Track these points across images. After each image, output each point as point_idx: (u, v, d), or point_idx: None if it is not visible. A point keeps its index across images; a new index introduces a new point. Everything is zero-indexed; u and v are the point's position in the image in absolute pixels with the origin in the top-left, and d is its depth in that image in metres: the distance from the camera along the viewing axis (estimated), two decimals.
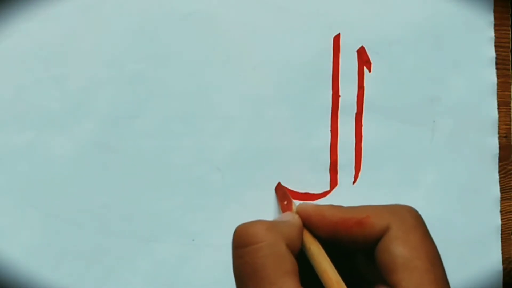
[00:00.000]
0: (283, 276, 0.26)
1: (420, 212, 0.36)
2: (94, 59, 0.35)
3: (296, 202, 0.33)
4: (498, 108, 0.39)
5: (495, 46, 0.39)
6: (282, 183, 0.36)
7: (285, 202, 0.34)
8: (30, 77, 0.34)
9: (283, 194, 0.35)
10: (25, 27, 0.34)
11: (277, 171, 0.36)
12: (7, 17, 0.34)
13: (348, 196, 0.37)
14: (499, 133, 0.39)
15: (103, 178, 0.35)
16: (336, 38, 0.37)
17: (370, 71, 0.37)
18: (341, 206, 0.29)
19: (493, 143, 0.39)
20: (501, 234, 0.38)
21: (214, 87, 0.36)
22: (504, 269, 0.38)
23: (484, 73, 0.39)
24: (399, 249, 0.26)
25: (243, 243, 0.27)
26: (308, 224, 0.30)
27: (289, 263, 0.27)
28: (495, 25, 0.39)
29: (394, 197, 0.37)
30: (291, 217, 0.30)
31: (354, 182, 0.37)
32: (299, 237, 0.29)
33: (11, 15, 0.34)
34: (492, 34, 0.39)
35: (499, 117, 0.39)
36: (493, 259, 0.38)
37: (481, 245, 0.38)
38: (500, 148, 0.39)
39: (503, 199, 0.38)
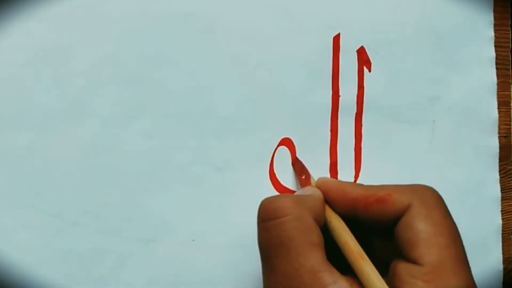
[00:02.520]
0: (310, 248, 0.26)
1: None
2: (94, 59, 0.35)
3: (314, 176, 0.33)
4: (498, 108, 0.39)
5: (495, 46, 0.39)
6: (283, 183, 0.36)
7: (303, 177, 0.34)
8: (30, 77, 0.34)
9: (300, 168, 0.35)
10: (25, 27, 0.34)
11: (277, 171, 0.36)
12: (7, 17, 0.34)
13: None
14: (499, 133, 0.39)
15: (103, 178, 0.35)
16: (336, 38, 0.37)
17: (370, 71, 0.37)
18: (361, 184, 0.30)
19: (493, 143, 0.39)
20: (501, 234, 0.38)
21: (214, 87, 0.36)
22: (504, 269, 0.38)
23: (484, 73, 0.39)
24: (422, 225, 0.27)
25: (269, 217, 0.28)
26: (327, 198, 0.30)
27: (316, 235, 0.27)
28: (495, 25, 0.39)
29: None
30: (313, 191, 0.30)
31: (354, 182, 0.37)
32: (323, 210, 0.29)
33: (11, 15, 0.34)
34: (492, 34, 0.39)
35: (499, 117, 0.39)
36: (493, 259, 0.38)
37: (481, 245, 0.38)
38: (500, 148, 0.39)
39: (503, 199, 0.39)
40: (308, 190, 0.31)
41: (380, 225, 0.28)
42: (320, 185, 0.31)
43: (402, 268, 0.26)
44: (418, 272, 0.26)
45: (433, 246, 0.26)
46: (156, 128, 0.35)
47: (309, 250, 0.26)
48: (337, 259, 0.28)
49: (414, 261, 0.26)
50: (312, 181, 0.33)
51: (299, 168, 0.35)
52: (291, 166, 0.36)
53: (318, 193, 0.30)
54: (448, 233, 0.27)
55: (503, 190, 0.39)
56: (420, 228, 0.27)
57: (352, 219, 0.29)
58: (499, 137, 0.39)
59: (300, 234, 0.27)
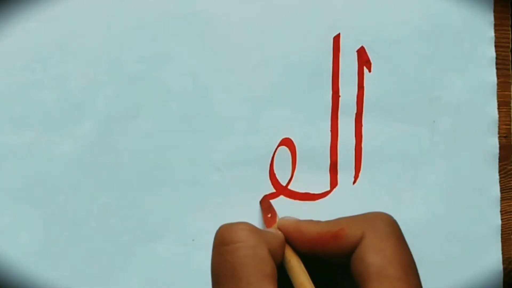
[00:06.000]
0: (262, 278, 0.26)
1: (420, 212, 0.36)
2: (94, 59, 0.35)
3: (280, 215, 0.33)
4: (498, 108, 0.39)
5: (495, 46, 0.39)
6: (282, 184, 0.36)
7: (269, 215, 0.34)
8: (30, 77, 0.34)
9: (267, 207, 0.35)
10: (25, 27, 0.34)
11: (277, 171, 0.36)
12: (7, 17, 0.34)
13: (348, 196, 0.37)
14: (499, 133, 0.39)
15: (103, 178, 0.35)
16: (336, 38, 0.37)
17: (370, 71, 0.37)
18: (318, 221, 0.30)
19: (493, 143, 0.38)
20: (501, 234, 0.38)
21: (214, 87, 0.36)
22: (504, 269, 0.38)
23: (484, 73, 0.39)
24: (372, 258, 0.26)
25: (225, 241, 0.27)
26: (289, 239, 0.30)
27: (269, 267, 0.27)
28: (495, 25, 0.39)
29: (394, 197, 0.37)
30: (274, 230, 0.30)
31: (354, 182, 0.37)
32: (281, 249, 0.29)
33: (11, 15, 0.34)
34: (492, 34, 0.39)
35: (499, 117, 0.39)
36: (493, 259, 0.38)
37: (481, 245, 0.38)
38: (500, 148, 0.39)
39: (503, 199, 0.38)
40: (270, 230, 0.31)
41: (340, 260, 0.28)
42: (280, 226, 0.30)
43: None
44: None
45: (385, 280, 0.26)
46: (157, 128, 0.35)
47: (260, 280, 0.26)
48: None
49: None
50: (277, 220, 0.33)
51: (266, 206, 0.35)
52: (291, 166, 0.36)
53: (278, 232, 0.30)
54: (400, 265, 0.26)
55: (503, 190, 0.39)
56: (371, 261, 0.26)
57: (314, 256, 0.29)
58: (499, 137, 0.39)
59: (253, 263, 0.26)
